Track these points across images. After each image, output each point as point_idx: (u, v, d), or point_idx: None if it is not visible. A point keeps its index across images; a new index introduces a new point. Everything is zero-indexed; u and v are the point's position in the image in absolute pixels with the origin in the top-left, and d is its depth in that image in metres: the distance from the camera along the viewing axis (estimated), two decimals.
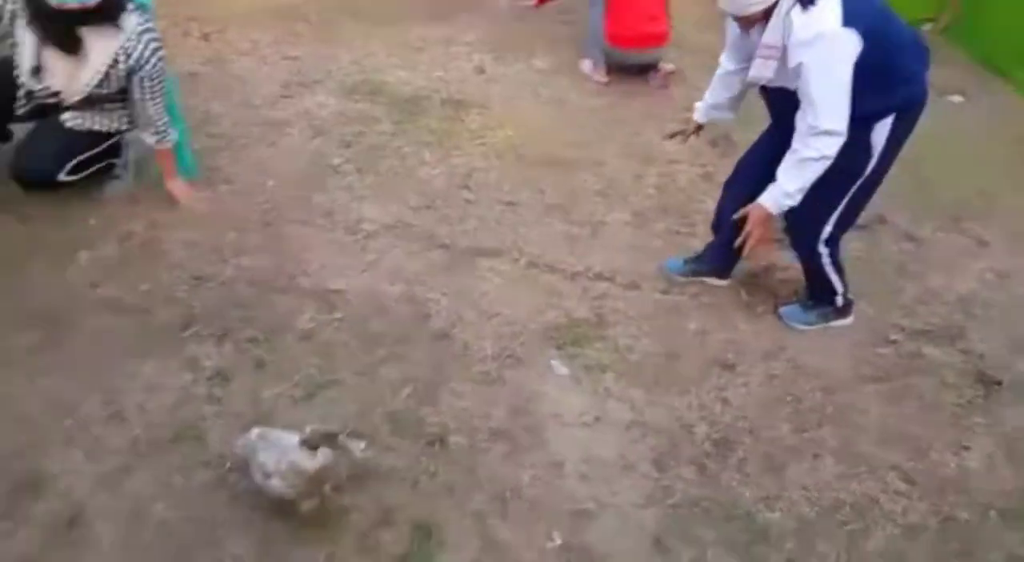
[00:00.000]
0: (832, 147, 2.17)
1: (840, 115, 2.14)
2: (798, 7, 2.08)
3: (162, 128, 2.83)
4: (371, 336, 2.47)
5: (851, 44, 2.07)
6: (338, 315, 2.53)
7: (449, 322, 2.56)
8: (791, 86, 2.19)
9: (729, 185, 2.71)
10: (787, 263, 2.88)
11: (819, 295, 2.66)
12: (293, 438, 1.83)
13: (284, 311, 2.53)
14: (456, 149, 3.52)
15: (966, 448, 2.30)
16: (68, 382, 2.20)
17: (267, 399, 2.21)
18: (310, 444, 1.78)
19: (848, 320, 2.71)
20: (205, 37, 4.25)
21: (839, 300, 2.66)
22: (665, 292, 2.81)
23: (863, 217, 3.25)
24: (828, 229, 2.47)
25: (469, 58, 4.35)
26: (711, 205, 3.27)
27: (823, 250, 2.53)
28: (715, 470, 2.16)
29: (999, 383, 2.51)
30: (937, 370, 2.55)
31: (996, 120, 4.17)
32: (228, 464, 1.99)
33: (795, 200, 2.29)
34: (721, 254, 2.75)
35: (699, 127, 2.77)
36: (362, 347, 2.42)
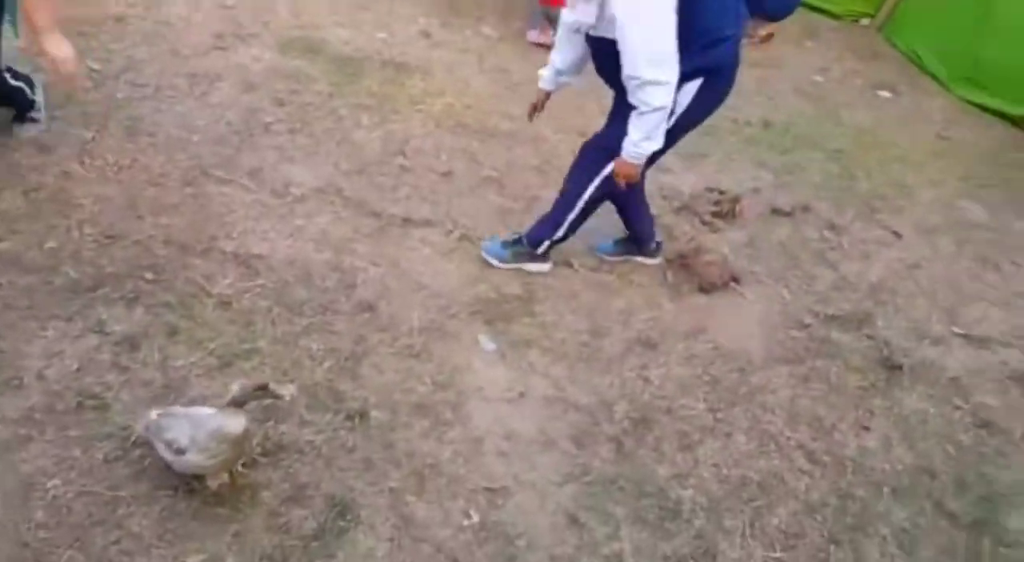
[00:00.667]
0: (659, 96, 2.14)
1: (661, 63, 2.10)
2: None
3: None
4: (293, 304, 2.41)
5: None
6: (260, 281, 2.46)
7: (375, 293, 2.52)
8: (611, 36, 2.14)
9: None
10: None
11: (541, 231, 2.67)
12: (204, 409, 1.78)
13: (202, 275, 2.44)
14: (394, 114, 3.43)
15: (866, 429, 2.42)
16: None
17: (179, 368, 2.13)
18: (237, 401, 1.72)
19: (546, 267, 2.75)
20: None
21: (543, 246, 2.68)
22: (594, 270, 2.84)
23: (789, 204, 3.38)
24: (605, 172, 2.47)
25: (415, 21, 4.23)
26: (647, 186, 3.32)
27: (591, 189, 2.52)
28: (631, 448, 2.21)
29: (900, 368, 2.65)
30: (844, 354, 2.67)
31: (921, 117, 4.33)
32: (133, 437, 1.92)
33: (647, 148, 2.29)
34: (631, 226, 2.81)
35: (547, 95, 2.70)
36: (283, 316, 2.36)
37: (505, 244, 2.74)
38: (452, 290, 2.60)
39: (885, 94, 4.54)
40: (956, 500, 2.24)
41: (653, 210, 3.18)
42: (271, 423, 2.06)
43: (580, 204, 2.59)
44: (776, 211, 3.31)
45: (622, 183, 2.44)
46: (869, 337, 2.76)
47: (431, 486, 2.01)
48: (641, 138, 2.28)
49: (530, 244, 2.71)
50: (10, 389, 2.00)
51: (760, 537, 2.04)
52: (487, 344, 2.44)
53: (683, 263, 2.91)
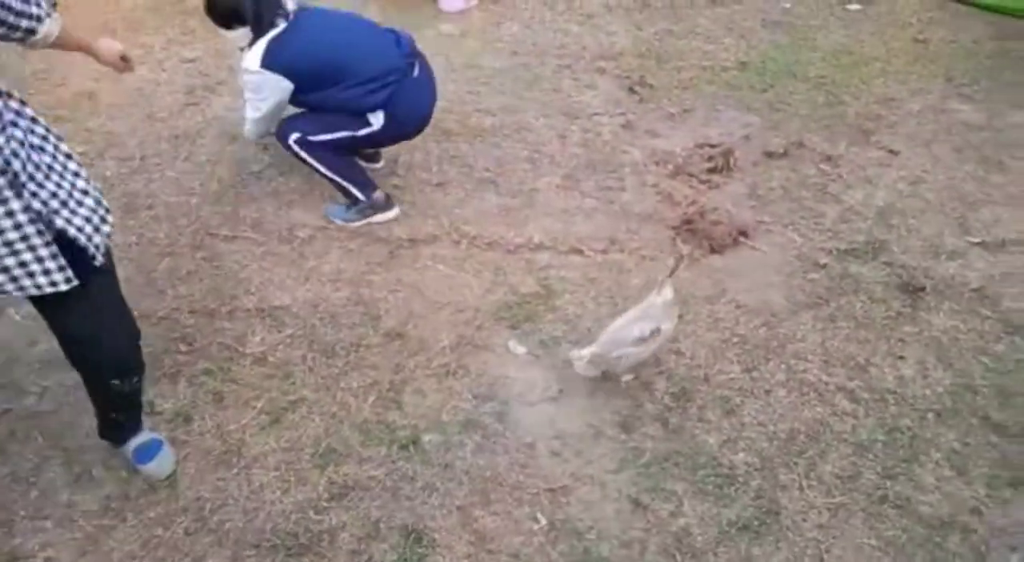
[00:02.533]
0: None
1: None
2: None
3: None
4: (325, 347, 2.48)
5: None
6: (288, 332, 2.52)
7: (401, 319, 2.58)
8: None
9: None
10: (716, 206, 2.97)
11: (343, 194, 2.94)
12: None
13: (233, 337, 2.51)
14: None
15: (901, 358, 2.46)
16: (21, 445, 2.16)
17: (233, 431, 2.21)
18: None
19: (391, 214, 2.98)
20: None
21: (363, 198, 2.90)
22: (605, 252, 2.88)
23: (781, 144, 3.39)
24: (296, 135, 2.77)
25: None
26: (637, 155, 3.35)
27: (294, 147, 2.78)
28: (678, 423, 2.27)
29: (923, 290, 2.68)
30: (866, 287, 2.70)
31: (895, 23, 4.29)
32: (207, 506, 2.01)
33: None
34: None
35: None
36: (319, 360, 2.43)
37: (347, 206, 2.96)
38: (473, 301, 2.65)
39: (855, 7, 4.49)
40: (1001, 411, 2.29)
41: (648, 178, 3.23)
42: (332, 467, 2.14)
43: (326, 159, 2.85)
44: (770, 155, 3.32)
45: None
46: (887, 264, 2.79)
47: (495, 498, 2.08)
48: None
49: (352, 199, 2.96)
50: (83, 483, 2.09)
51: (817, 486, 2.11)
52: (517, 348, 2.49)
53: (689, 228, 2.94)
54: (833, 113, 3.58)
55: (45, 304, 1.75)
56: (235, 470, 2.12)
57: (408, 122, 2.88)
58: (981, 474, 2.13)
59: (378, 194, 2.93)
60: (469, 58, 3.99)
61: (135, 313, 2.00)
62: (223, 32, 2.74)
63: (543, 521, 2.03)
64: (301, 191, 3.13)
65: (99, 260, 1.73)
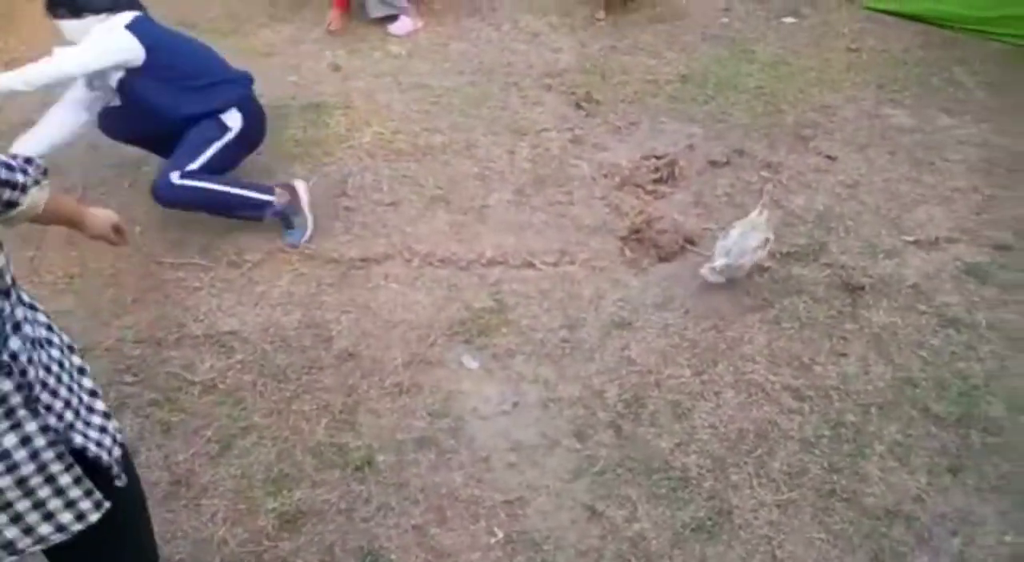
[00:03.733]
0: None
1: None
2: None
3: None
4: (276, 372, 2.46)
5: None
6: (238, 358, 2.50)
7: (353, 340, 2.57)
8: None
9: None
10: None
11: (250, 210, 2.90)
12: None
13: (181, 365, 2.48)
14: (326, 156, 3.45)
15: (843, 355, 2.54)
16: None
17: (182, 462, 2.18)
18: None
19: (303, 192, 2.98)
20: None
21: (267, 198, 2.88)
22: (556, 265, 2.91)
23: (724, 153, 3.47)
24: (175, 173, 2.78)
25: (321, 56, 4.23)
26: (585, 169, 3.41)
27: (184, 183, 2.77)
28: (630, 429, 2.30)
29: (862, 288, 2.77)
30: (808, 288, 2.78)
31: (828, 34, 4.44)
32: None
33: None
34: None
35: None
36: (270, 386, 2.41)
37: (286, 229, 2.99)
38: (426, 319, 2.66)
39: (790, 20, 4.64)
40: (939, 402, 2.37)
41: (597, 190, 3.28)
42: (285, 493, 2.12)
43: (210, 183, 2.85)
44: (713, 163, 3.40)
45: None
46: (827, 265, 2.88)
47: (451, 514, 2.08)
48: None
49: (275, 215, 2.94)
50: None
51: (767, 483, 2.15)
52: (471, 363, 2.50)
53: (638, 237, 2.99)
54: (772, 122, 3.69)
55: (60, 551, 1.30)
56: (183, 501, 2.08)
57: (259, 124, 3.01)
58: (922, 463, 2.20)
59: (278, 192, 2.90)
60: (418, 78, 4.02)
61: (78, 346, 1.95)
62: (66, 23, 2.68)
63: (500, 534, 2.03)
64: None
65: (122, 479, 1.34)
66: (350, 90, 3.91)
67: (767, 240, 2.71)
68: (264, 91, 3.86)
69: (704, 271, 2.69)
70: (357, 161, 3.43)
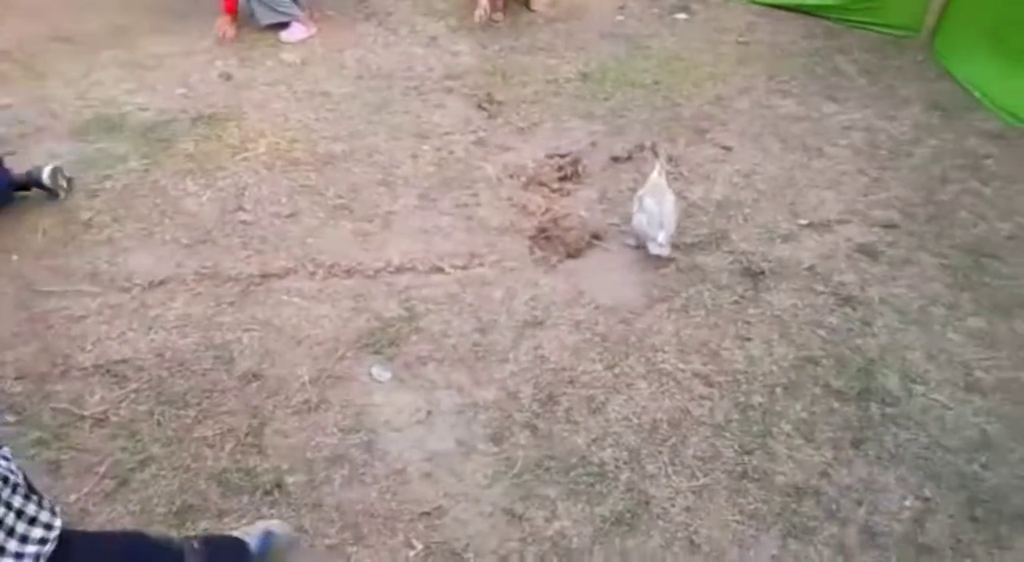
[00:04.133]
0: None
1: None
2: None
3: None
4: (175, 399, 2.32)
5: None
6: (132, 387, 2.35)
7: (256, 360, 2.47)
8: None
9: None
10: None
11: None
12: None
13: (68, 399, 2.31)
14: (220, 171, 3.31)
15: (748, 339, 2.61)
16: None
17: (73, 503, 2.03)
18: None
19: None
20: None
21: None
22: (465, 268, 2.88)
23: (626, 149, 3.53)
24: None
25: (211, 66, 4.06)
26: (490, 170, 3.39)
27: None
28: (546, 428, 2.29)
29: (763, 273, 2.85)
30: (712, 276, 2.85)
31: (717, 30, 4.58)
32: None
33: None
34: None
35: None
36: (168, 414, 2.28)
37: None
38: (333, 332, 2.58)
39: (682, 16, 4.77)
40: (839, 378, 2.46)
41: (503, 191, 3.27)
42: (189, 525, 2.00)
43: None
44: (616, 159, 3.45)
45: None
46: (729, 253, 2.95)
47: (368, 530, 2.02)
48: None
49: None
50: None
51: (682, 470, 2.18)
52: (382, 374, 2.44)
53: (545, 235, 3.00)
54: (670, 116, 3.77)
55: None
56: None
57: None
58: (827, 439, 2.28)
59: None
60: (313, 86, 3.91)
61: None
62: None
63: (419, 546, 1.98)
64: (138, 236, 2.94)
65: None
66: (243, 100, 3.76)
67: (676, 198, 2.89)
68: (152, 105, 3.72)
69: (655, 250, 2.79)
70: (253, 173, 3.30)
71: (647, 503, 2.10)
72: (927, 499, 2.12)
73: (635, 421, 2.32)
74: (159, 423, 2.25)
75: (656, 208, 2.77)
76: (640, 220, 2.80)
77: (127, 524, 1.99)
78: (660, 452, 2.23)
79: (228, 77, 3.96)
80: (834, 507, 2.10)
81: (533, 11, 4.62)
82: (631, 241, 2.95)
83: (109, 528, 1.98)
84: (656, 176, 2.86)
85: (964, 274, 2.87)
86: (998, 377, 2.48)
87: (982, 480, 2.17)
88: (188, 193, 3.17)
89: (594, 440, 2.26)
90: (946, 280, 2.85)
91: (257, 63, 4.10)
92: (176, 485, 2.09)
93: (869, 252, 2.97)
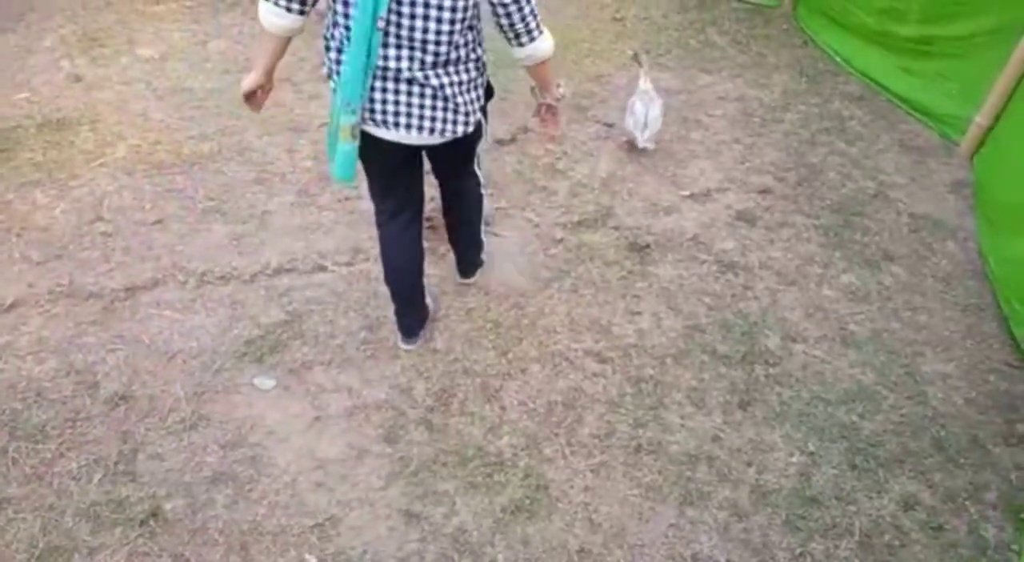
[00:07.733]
0: None
1: None
2: None
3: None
4: (32, 432, 2.12)
5: None
6: None
7: (124, 381, 2.29)
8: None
9: None
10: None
11: None
12: None
13: None
14: (73, 179, 3.05)
15: (638, 313, 2.63)
16: None
17: None
18: None
19: None
20: None
21: None
22: (350, 264, 2.77)
23: (509, 131, 3.48)
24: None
25: (57, 66, 3.73)
26: None
27: None
28: (441, 421, 2.24)
29: (648, 246, 2.89)
30: (599, 253, 2.86)
31: (592, 6, 4.60)
32: None
33: None
34: None
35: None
36: (24, 449, 2.08)
37: None
38: (209, 344, 2.42)
39: None
40: (725, 343, 2.52)
41: None
42: None
43: None
44: (500, 142, 3.40)
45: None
46: (615, 229, 2.97)
47: (257, 550, 1.91)
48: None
49: None
50: None
51: (579, 451, 2.18)
52: (265, 384, 2.32)
53: (431, 225, 2.91)
54: None
55: None
56: None
57: None
58: (716, 404, 2.33)
59: None
60: (175, 82, 3.66)
61: None
62: None
63: (313, 560, 1.89)
64: None
65: None
66: (96, 102, 3.48)
67: (664, 105, 3.30)
68: None
69: (640, 144, 3.25)
70: (112, 180, 3.06)
71: (546, 488, 2.08)
72: (812, 453, 2.21)
73: (531, 405, 2.30)
74: (15, 461, 2.05)
75: (643, 111, 3.21)
76: (629, 122, 3.26)
77: None
78: (557, 434, 2.22)
79: (77, 78, 3.65)
80: (726, 470, 2.15)
81: None
82: (623, 137, 3.39)
83: None
84: (643, 84, 3.22)
85: (835, 233, 3.00)
86: (871, 328, 2.61)
87: (859, 429, 2.28)
88: (38, 206, 2.91)
89: (490, 429, 2.23)
90: (819, 240, 2.97)
91: (110, 61, 3.80)
92: (38, 526, 1.91)
93: (747, 218, 3.06)
